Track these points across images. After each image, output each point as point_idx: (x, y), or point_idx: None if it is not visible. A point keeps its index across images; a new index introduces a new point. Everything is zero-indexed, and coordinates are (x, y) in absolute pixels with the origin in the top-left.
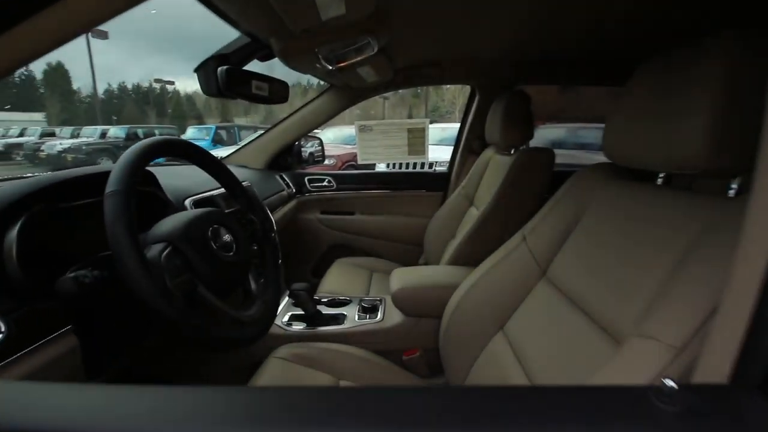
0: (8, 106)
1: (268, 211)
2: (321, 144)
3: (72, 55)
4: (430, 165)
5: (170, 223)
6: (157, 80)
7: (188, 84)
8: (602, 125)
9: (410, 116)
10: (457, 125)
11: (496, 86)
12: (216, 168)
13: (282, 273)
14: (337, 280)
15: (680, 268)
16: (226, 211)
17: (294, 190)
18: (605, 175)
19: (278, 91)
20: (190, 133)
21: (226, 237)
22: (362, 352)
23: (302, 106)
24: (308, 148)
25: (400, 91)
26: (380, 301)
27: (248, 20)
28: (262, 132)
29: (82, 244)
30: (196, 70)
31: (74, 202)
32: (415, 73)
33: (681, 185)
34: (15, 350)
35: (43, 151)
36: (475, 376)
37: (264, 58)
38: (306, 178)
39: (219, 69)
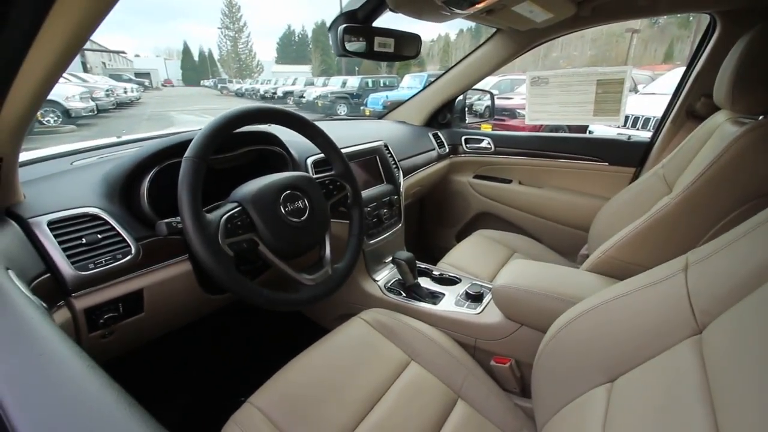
0: (288, 61)
1: (400, 175)
2: (492, 98)
3: (333, 11)
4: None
5: (249, 186)
6: None
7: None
8: None
9: (669, 56)
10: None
11: (750, 13)
12: (311, 132)
13: (402, 236)
14: (468, 253)
15: None
16: (317, 176)
17: (448, 150)
18: None
19: (407, 46)
20: (407, 81)
21: (300, 203)
22: (447, 340)
23: (464, 57)
24: (479, 101)
25: (661, 19)
26: (489, 289)
27: None
28: (426, 86)
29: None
30: (329, 29)
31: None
32: (612, 2)
33: None
34: (143, 266)
35: (304, 97)
36: (565, 421)
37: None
38: (463, 138)
39: (338, 29)
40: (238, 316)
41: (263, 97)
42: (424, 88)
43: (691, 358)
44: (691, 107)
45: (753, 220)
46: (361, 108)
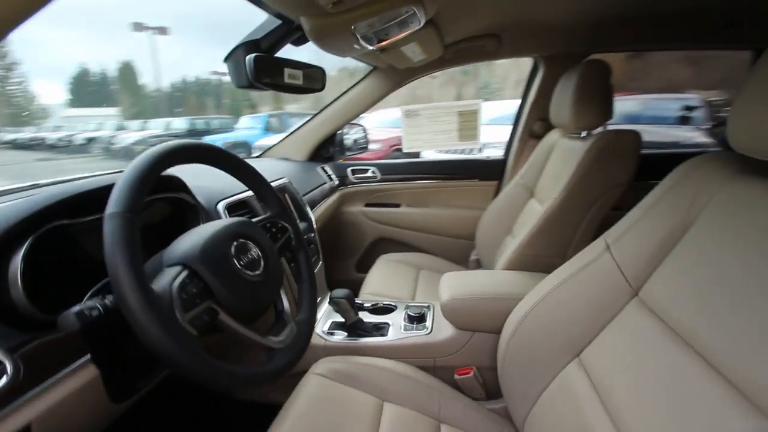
0: (85, 104)
1: (310, 211)
2: (364, 131)
3: (137, 53)
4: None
5: (188, 241)
6: (214, 72)
7: None
8: (678, 95)
9: (459, 95)
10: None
11: (564, 58)
12: (241, 170)
13: (323, 274)
14: (381, 279)
15: None
16: (256, 219)
17: (337, 182)
18: (726, 170)
19: (314, 79)
20: (244, 122)
21: (253, 252)
22: (409, 369)
23: (344, 92)
24: (351, 135)
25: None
26: (428, 308)
27: None
28: (304, 122)
29: (96, 264)
30: (226, 60)
31: (85, 218)
32: (469, 48)
33: None
34: (25, 390)
35: (115, 144)
36: (545, 409)
37: (297, 42)
38: (349, 169)
39: (247, 58)
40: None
41: (54, 147)
42: (303, 124)
43: (639, 313)
44: (531, 129)
45: (643, 203)
46: None
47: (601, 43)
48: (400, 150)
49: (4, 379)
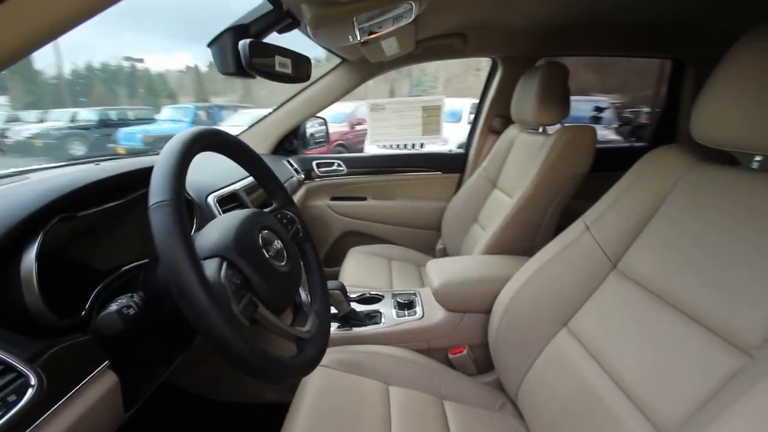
0: None
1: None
2: (325, 124)
3: None
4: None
5: (215, 232)
6: (127, 58)
7: (159, 62)
8: (590, 97)
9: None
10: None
11: (521, 59)
12: (250, 159)
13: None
14: (356, 271)
15: None
16: (267, 210)
17: (303, 176)
18: (687, 158)
19: (301, 68)
20: (167, 113)
21: (277, 243)
22: (407, 353)
23: (309, 84)
24: (309, 128)
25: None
26: (415, 294)
27: None
28: (267, 114)
29: (103, 258)
30: (210, 45)
31: (91, 210)
32: (437, 45)
33: None
34: (54, 401)
35: (7, 137)
36: (538, 375)
37: (284, 30)
38: (314, 162)
39: (241, 42)
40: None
41: None
42: (267, 116)
43: (619, 282)
44: (490, 125)
45: (617, 187)
46: (109, 145)
47: (554, 47)
48: (343, 145)
49: (30, 393)
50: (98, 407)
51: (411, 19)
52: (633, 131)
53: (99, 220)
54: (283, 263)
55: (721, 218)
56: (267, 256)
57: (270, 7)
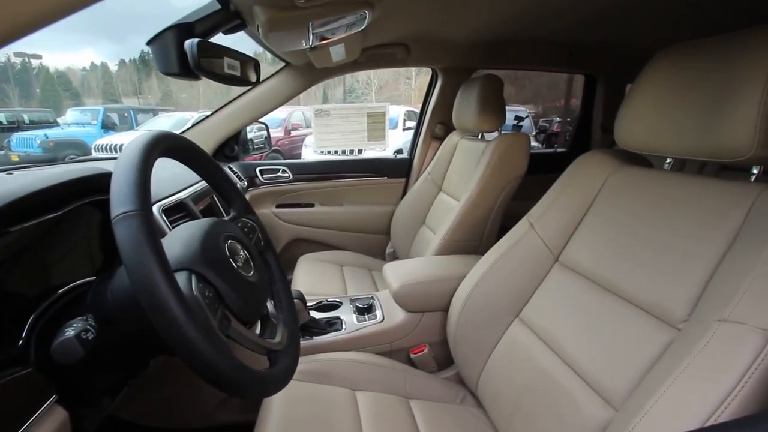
0: None
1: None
2: (266, 129)
3: None
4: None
5: (177, 243)
6: (18, 54)
7: (59, 58)
8: (510, 107)
9: (326, 96)
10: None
11: (458, 71)
12: (208, 166)
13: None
14: (309, 279)
15: (742, 251)
16: (227, 218)
17: (246, 184)
18: (613, 160)
19: (250, 70)
20: (72, 116)
21: (243, 252)
22: (370, 356)
23: (250, 88)
24: (249, 134)
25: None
26: (373, 299)
27: None
28: (204, 116)
29: (35, 280)
30: (150, 43)
31: (21, 224)
32: (381, 54)
33: (710, 172)
34: None
35: None
36: (496, 365)
37: (231, 31)
38: (257, 169)
39: (189, 42)
40: None
41: None
42: (204, 119)
43: (561, 273)
44: (432, 131)
45: (556, 187)
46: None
47: (488, 60)
48: (278, 151)
49: None
50: None
51: (363, 27)
52: (548, 138)
53: (25, 238)
54: (251, 273)
55: (645, 210)
56: (235, 266)
57: (217, 6)
